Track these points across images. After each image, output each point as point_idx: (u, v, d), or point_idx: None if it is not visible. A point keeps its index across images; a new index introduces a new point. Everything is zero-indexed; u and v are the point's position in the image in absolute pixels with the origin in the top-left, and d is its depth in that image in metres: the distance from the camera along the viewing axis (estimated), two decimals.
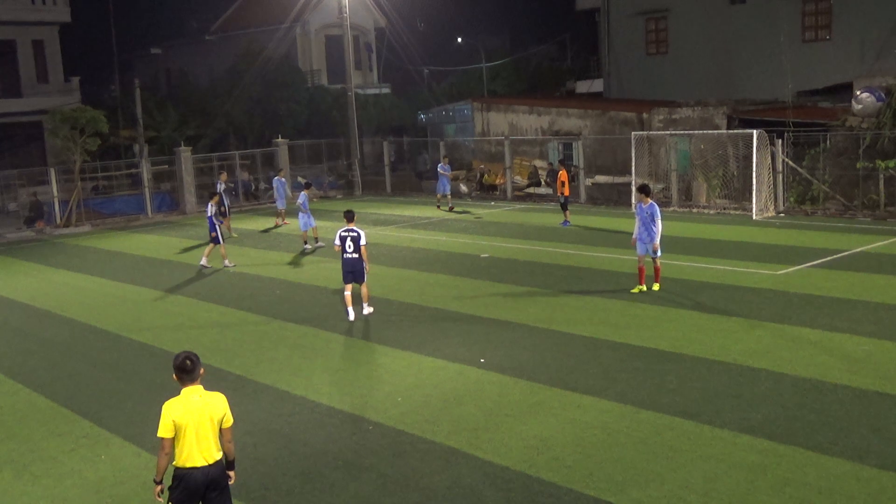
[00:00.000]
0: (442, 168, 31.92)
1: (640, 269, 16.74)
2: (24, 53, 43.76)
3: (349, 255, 15.62)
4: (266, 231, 28.92)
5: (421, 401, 11.43)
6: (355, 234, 15.60)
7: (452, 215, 30.29)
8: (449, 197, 31.94)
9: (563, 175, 26.87)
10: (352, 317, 15.79)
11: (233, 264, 21.92)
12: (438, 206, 32.02)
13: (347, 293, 15.89)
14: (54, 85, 43.98)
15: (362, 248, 15.56)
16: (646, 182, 16.26)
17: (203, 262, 22.05)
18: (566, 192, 26.79)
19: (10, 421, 11.63)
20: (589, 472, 8.93)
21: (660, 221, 16.31)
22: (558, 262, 20.43)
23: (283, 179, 30.83)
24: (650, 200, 16.42)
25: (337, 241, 15.75)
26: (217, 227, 21.60)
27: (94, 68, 50.16)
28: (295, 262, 22.43)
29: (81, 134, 32.63)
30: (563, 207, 26.86)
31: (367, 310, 16.04)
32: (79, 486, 9.36)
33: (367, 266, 15.79)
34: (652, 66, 40.96)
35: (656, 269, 16.72)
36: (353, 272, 15.74)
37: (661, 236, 16.44)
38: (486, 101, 41.97)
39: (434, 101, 46.28)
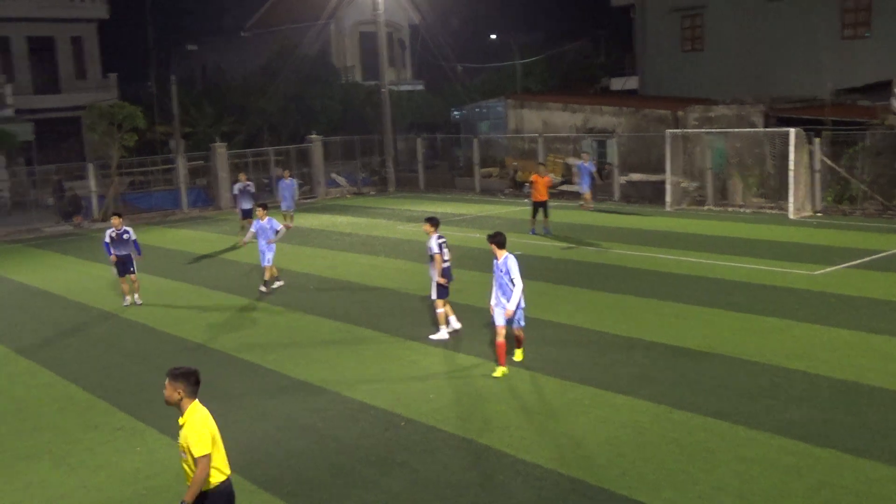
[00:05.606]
0: (580, 167, 29.35)
1: (499, 345, 12.22)
2: (62, 50, 44.45)
3: (449, 265, 14.11)
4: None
5: (453, 398, 11.43)
6: (444, 240, 14.12)
7: (486, 212, 30.21)
8: (589, 196, 29.24)
9: (545, 177, 25.01)
10: (457, 325, 14.41)
11: None
12: (581, 206, 29.30)
13: (447, 308, 14.31)
14: (92, 81, 44.62)
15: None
16: (499, 231, 12.57)
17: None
18: (541, 197, 24.49)
19: (48, 412, 11.81)
20: (621, 472, 8.88)
21: (518, 280, 11.97)
22: (590, 260, 20.33)
23: (289, 181, 28.47)
24: (504, 253, 12.18)
25: (436, 249, 13.91)
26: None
27: (132, 65, 50.72)
28: (328, 257, 22.52)
29: (119, 129, 33.01)
30: (536, 212, 24.73)
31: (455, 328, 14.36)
32: (114, 477, 9.48)
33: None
34: (687, 63, 40.61)
35: (518, 337, 12.69)
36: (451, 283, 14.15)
37: (521, 300, 12.09)
38: (520, 97, 41.86)
39: (467, 98, 46.23)
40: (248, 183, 27.06)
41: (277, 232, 18.32)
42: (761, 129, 28.79)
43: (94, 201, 33.37)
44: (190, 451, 6.46)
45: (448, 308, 14.36)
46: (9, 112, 39.54)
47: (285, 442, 10.15)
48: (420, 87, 53.18)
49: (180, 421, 6.62)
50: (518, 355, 12.73)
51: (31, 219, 33.22)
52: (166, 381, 6.63)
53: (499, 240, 12.29)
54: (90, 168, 33.85)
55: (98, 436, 10.76)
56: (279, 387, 12.22)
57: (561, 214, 28.51)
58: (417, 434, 10.21)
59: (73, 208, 33.41)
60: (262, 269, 18.58)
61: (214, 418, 6.73)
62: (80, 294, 19.58)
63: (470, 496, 8.57)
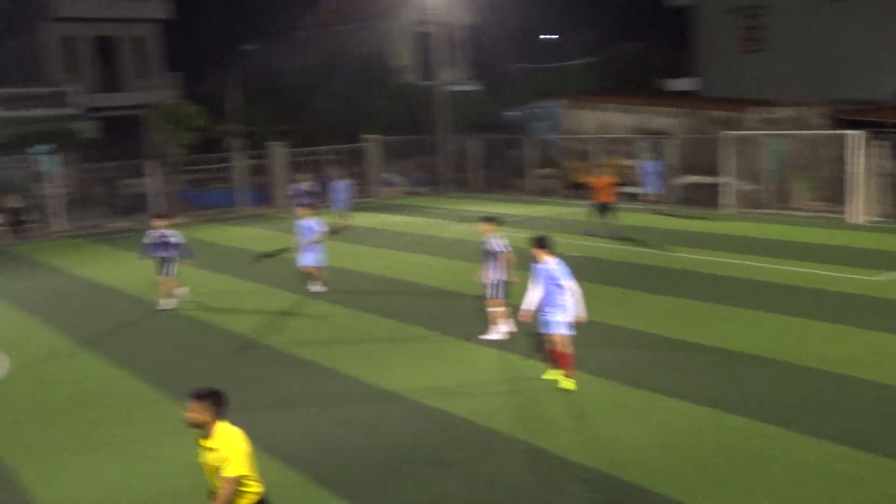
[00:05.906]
0: (644, 166, 29.56)
1: (553, 352, 11.86)
2: (126, 49, 45.47)
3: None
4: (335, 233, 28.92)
5: (509, 399, 11.45)
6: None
7: (540, 213, 30.12)
8: (651, 196, 29.16)
9: (603, 178, 24.75)
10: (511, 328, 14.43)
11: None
12: (654, 211, 28.94)
13: (504, 309, 14.39)
14: (154, 80, 45.55)
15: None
16: (543, 234, 12.23)
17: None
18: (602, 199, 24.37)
19: (110, 404, 12.07)
20: (676, 477, 8.82)
21: (571, 283, 11.42)
22: (647, 263, 20.18)
23: (343, 182, 28.43)
24: (550, 257, 11.68)
25: (503, 248, 14.25)
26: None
27: (192, 64, 51.67)
28: (383, 257, 22.67)
29: (180, 128, 33.60)
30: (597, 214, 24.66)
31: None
32: (173, 470, 9.64)
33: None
34: (747, 64, 40.01)
35: (563, 356, 11.64)
36: None
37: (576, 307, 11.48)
38: (575, 98, 41.64)
39: (523, 99, 46.11)
40: (310, 183, 27.40)
41: (318, 232, 18.18)
42: (822, 132, 28.27)
43: (154, 199, 33.99)
44: (222, 470, 6.26)
45: (505, 309, 14.37)
46: (74, 110, 40.53)
47: (340, 439, 10.26)
48: (475, 88, 53.20)
49: (208, 444, 6.35)
50: (567, 382, 11.65)
51: (94, 215, 34.00)
52: (190, 402, 6.31)
53: (543, 243, 11.83)
54: (151, 166, 34.51)
55: (160, 428, 10.96)
56: (335, 385, 12.34)
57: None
58: (473, 434, 10.25)
59: (133, 205, 34.08)
60: (313, 269, 18.53)
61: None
62: (139, 288, 19.95)
63: (525, 498, 8.58)
